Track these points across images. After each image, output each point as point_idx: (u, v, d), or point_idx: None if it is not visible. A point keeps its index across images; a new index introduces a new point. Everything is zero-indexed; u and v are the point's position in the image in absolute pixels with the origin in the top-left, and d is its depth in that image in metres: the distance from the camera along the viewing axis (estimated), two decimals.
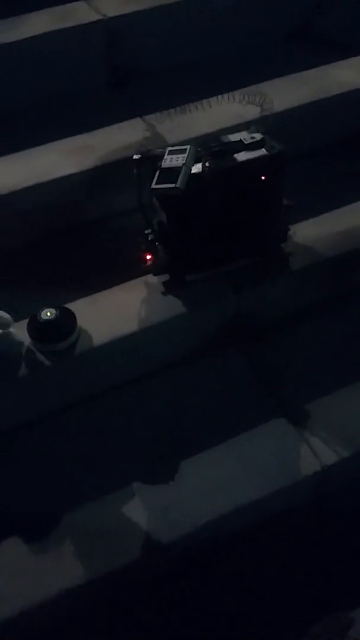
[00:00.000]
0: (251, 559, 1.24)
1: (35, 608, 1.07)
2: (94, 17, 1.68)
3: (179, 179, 1.13)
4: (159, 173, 1.16)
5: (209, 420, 1.30)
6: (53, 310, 1.22)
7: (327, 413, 1.30)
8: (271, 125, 1.27)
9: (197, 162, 1.19)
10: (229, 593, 1.21)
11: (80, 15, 1.70)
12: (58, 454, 1.26)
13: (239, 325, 1.42)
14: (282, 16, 1.89)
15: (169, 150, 1.20)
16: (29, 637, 1.13)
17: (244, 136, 1.24)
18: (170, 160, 1.17)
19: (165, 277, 1.36)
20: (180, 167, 1.15)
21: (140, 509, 1.17)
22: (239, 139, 1.23)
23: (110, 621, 1.16)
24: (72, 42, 1.66)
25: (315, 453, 1.24)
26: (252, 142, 1.22)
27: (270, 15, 1.86)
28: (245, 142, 1.22)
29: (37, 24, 1.67)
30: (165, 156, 1.19)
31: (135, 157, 1.20)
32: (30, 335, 1.24)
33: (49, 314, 1.22)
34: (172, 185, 1.13)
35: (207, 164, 1.19)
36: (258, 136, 1.23)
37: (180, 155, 1.17)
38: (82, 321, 1.27)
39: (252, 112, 1.35)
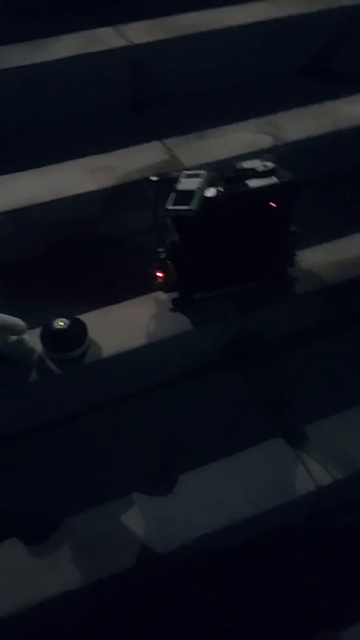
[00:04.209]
0: (245, 574, 1.26)
1: (30, 610, 1.09)
2: (121, 43, 1.75)
3: (193, 202, 1.18)
4: (175, 195, 1.21)
5: (209, 436, 1.32)
6: (65, 320, 1.26)
7: (325, 435, 1.33)
8: (283, 154, 1.32)
9: (211, 186, 1.24)
10: (222, 606, 1.22)
11: (106, 40, 1.77)
12: (62, 460, 1.29)
13: (243, 345, 1.45)
14: (299, 50, 1.95)
15: (185, 174, 1.25)
16: (24, 638, 1.15)
17: (256, 164, 1.28)
18: (186, 184, 1.22)
19: (175, 294, 1.40)
20: (195, 191, 1.20)
21: (137, 519, 1.19)
22: (251, 166, 1.28)
23: (103, 627, 1.18)
24: (98, 66, 1.72)
25: (311, 473, 1.26)
26: (264, 170, 1.27)
27: (288, 48, 1.93)
28: (258, 170, 1.27)
29: (65, 46, 1.74)
30: (181, 179, 1.24)
31: (152, 178, 1.25)
32: (42, 343, 1.27)
33: (61, 323, 1.25)
34: (187, 207, 1.18)
35: (220, 189, 1.24)
36: (270, 165, 1.27)
37: (196, 179, 1.23)
38: (92, 332, 1.31)
39: (265, 141, 1.41)
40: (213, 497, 1.23)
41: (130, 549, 1.16)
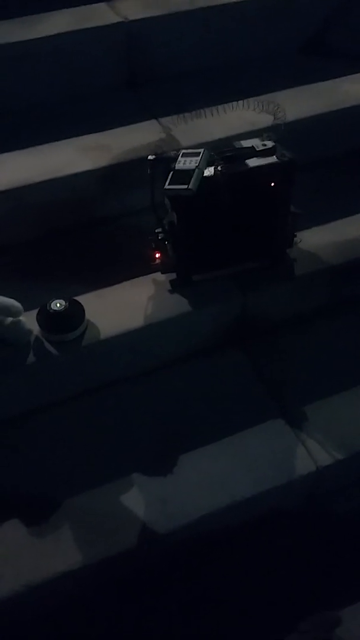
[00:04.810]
0: (244, 554, 1.27)
1: (33, 590, 1.10)
2: (115, 19, 1.72)
3: (192, 181, 1.16)
4: (173, 174, 1.19)
5: (208, 417, 1.32)
6: (62, 302, 1.25)
7: (324, 416, 1.33)
8: (283, 133, 1.30)
9: (209, 165, 1.22)
10: (220, 586, 1.24)
11: (101, 16, 1.73)
12: (61, 441, 1.29)
13: (242, 326, 1.45)
14: (298, 27, 1.92)
15: (183, 153, 1.23)
16: (25, 618, 1.15)
17: (256, 143, 1.26)
18: (184, 163, 1.20)
19: (173, 275, 1.39)
20: (193, 170, 1.18)
21: (138, 500, 1.20)
22: (251, 145, 1.26)
23: (104, 607, 1.19)
24: (92, 43, 1.69)
25: (311, 454, 1.27)
26: (263, 149, 1.25)
27: (286, 26, 1.89)
28: (257, 149, 1.25)
29: (58, 23, 1.70)
30: (179, 158, 1.22)
31: (150, 157, 1.23)
32: (39, 325, 1.27)
33: (58, 305, 1.25)
34: (185, 186, 1.16)
35: (219, 168, 1.22)
36: (270, 144, 1.26)
37: (194, 158, 1.20)
38: (90, 314, 1.30)
39: (264, 120, 1.39)
40: (213, 478, 1.23)
41: (131, 530, 1.16)
